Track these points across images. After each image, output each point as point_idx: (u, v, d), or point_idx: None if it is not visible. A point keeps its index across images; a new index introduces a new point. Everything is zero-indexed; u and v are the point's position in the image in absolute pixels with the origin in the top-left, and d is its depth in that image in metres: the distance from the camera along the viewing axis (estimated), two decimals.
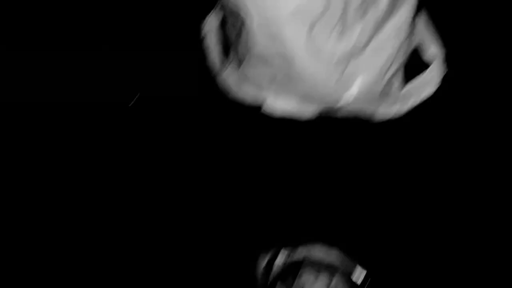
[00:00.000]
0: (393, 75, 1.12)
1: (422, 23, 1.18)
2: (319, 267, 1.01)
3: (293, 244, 1.03)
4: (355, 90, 1.10)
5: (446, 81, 1.16)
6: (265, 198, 1.13)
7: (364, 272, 1.02)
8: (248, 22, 1.04)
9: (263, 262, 1.04)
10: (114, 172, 1.16)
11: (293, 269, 1.01)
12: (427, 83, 1.16)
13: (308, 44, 1.03)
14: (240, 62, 1.15)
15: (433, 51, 1.17)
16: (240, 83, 1.18)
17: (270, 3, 1.01)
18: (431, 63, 1.17)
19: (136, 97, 1.21)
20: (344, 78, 1.09)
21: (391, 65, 1.11)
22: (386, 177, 1.12)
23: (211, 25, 1.27)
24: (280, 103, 1.15)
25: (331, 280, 1.00)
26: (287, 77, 1.09)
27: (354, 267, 1.02)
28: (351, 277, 1.01)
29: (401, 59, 1.12)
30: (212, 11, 1.27)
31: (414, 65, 1.16)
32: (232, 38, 1.16)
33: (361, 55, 1.08)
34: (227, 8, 1.09)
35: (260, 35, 1.04)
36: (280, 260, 1.03)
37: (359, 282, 1.01)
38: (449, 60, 1.17)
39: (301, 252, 1.03)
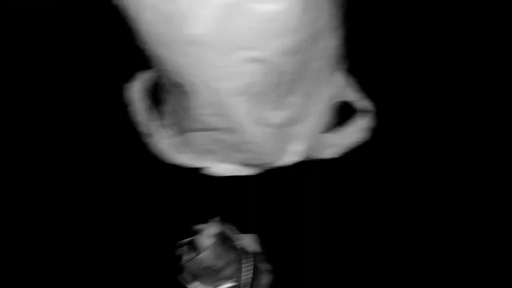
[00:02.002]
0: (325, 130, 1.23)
1: (345, 81, 1.28)
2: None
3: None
4: (296, 155, 1.19)
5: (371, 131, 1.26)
6: None
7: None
8: (193, 93, 1.06)
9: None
10: None
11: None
12: (353, 132, 1.25)
13: (252, 115, 1.08)
14: (180, 129, 1.19)
15: (358, 104, 1.27)
16: (178, 149, 1.21)
17: (214, 76, 1.02)
18: (356, 115, 1.26)
19: None
20: (285, 144, 1.17)
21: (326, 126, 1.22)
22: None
23: (136, 89, 1.31)
24: (221, 168, 1.21)
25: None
26: (231, 145, 1.14)
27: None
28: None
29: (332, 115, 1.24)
30: (135, 75, 1.32)
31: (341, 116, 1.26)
32: (170, 105, 1.20)
33: (299, 122, 1.17)
34: (166, 77, 1.10)
35: (205, 107, 1.07)
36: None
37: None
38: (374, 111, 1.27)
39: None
